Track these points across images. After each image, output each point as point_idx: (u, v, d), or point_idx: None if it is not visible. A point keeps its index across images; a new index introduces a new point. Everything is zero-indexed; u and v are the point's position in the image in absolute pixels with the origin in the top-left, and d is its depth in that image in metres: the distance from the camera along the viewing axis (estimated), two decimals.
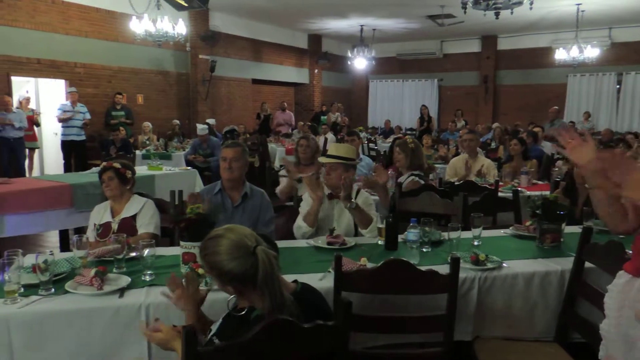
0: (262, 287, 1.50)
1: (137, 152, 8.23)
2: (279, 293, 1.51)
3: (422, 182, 4.16)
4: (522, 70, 14.57)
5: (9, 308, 1.90)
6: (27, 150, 8.79)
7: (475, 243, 2.75)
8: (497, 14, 6.94)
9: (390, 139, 10.88)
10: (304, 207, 3.13)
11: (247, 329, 1.41)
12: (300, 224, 3.03)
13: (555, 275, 2.38)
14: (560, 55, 11.43)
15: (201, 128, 8.13)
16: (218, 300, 1.91)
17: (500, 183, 4.71)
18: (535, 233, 2.85)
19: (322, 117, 13.34)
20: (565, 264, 2.42)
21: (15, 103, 8.41)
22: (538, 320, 2.38)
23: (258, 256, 1.53)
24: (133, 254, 2.44)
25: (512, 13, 7.17)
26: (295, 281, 1.71)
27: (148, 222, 3.04)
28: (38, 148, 9.24)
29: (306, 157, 4.44)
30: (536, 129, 7.62)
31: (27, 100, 8.82)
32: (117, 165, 3.12)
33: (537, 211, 2.74)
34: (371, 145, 10.50)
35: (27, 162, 8.97)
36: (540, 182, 5.24)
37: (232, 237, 1.57)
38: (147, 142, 9.20)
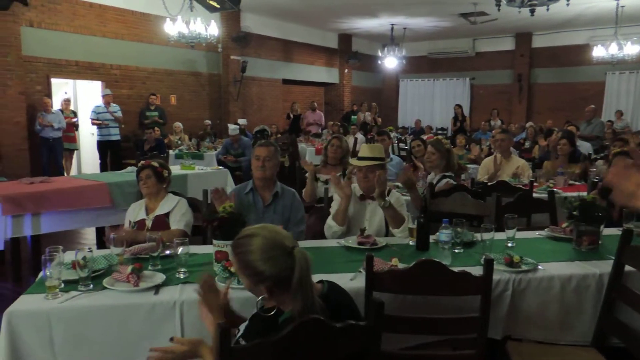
0: (296, 289, 1.47)
1: (170, 151, 8.39)
2: (311, 296, 1.49)
3: (454, 182, 4.10)
4: (557, 68, 14.21)
5: (51, 303, 1.96)
6: (68, 151, 9.08)
7: (509, 245, 2.70)
8: (532, 11, 6.78)
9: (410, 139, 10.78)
10: (335, 207, 3.13)
11: (274, 331, 1.41)
12: (330, 224, 3.03)
13: (594, 278, 2.31)
14: (598, 52, 11.08)
15: (232, 128, 8.23)
16: (250, 299, 1.92)
17: (535, 184, 4.60)
18: (571, 235, 2.78)
19: (352, 117, 13.32)
20: (604, 267, 2.35)
21: (57, 105, 8.70)
22: (574, 325, 2.32)
23: (295, 258, 1.50)
24: (167, 252, 2.49)
25: (548, 10, 6.99)
26: (321, 281, 1.69)
27: (179, 219, 3.11)
28: (77, 150, 9.52)
29: (335, 158, 4.43)
30: (571, 128, 7.41)
31: (68, 102, 9.10)
32: (155, 164, 3.20)
33: (574, 212, 2.68)
34: (401, 145, 10.42)
35: (65, 162, 9.27)
36: (577, 183, 5.09)
37: (266, 235, 1.55)
38: (179, 142, 9.38)
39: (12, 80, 7.75)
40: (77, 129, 9.30)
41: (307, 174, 4.33)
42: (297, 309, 1.46)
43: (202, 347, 1.66)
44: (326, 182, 4.25)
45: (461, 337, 2.11)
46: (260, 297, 1.57)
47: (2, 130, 7.72)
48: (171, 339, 1.72)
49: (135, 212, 3.22)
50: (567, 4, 7.02)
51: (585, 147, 7.36)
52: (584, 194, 3.75)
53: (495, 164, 5.09)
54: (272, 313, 1.56)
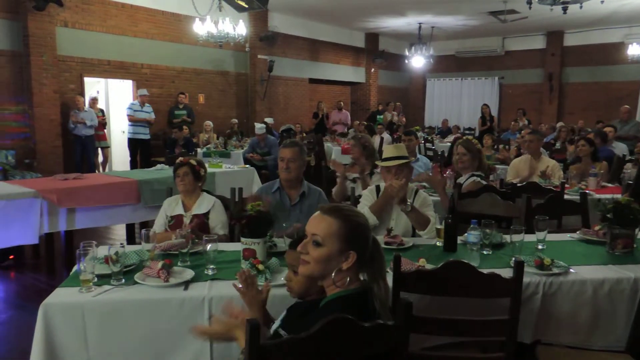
0: (380, 276, 1.57)
1: (198, 150, 8.51)
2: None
3: (484, 182, 4.04)
4: (590, 67, 13.86)
5: (85, 296, 2.02)
6: (99, 149, 9.30)
7: (540, 247, 2.66)
8: (564, 9, 6.63)
9: (450, 139, 10.67)
10: (364, 204, 3.11)
11: (317, 315, 1.45)
12: (366, 214, 2.94)
13: (628, 282, 2.25)
14: (633, 50, 10.79)
15: (259, 127, 8.29)
16: (283, 297, 1.95)
17: (567, 185, 4.51)
18: (605, 238, 2.72)
19: (378, 117, 13.26)
20: (639, 271, 2.29)
21: (86, 103, 8.92)
22: (607, 329, 2.27)
23: (378, 245, 1.60)
24: (196, 249, 2.53)
25: (581, 7, 6.83)
26: None
27: (222, 225, 3.18)
28: (108, 147, 9.73)
29: (355, 157, 4.45)
30: (607, 129, 7.22)
31: (95, 100, 9.29)
32: (193, 162, 3.26)
33: (608, 215, 2.61)
34: (428, 145, 10.33)
35: (100, 159, 9.50)
36: (609, 185, 4.97)
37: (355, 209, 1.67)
38: (207, 140, 9.50)
39: (47, 79, 7.98)
40: (104, 127, 9.50)
41: (338, 174, 4.33)
42: (382, 293, 1.55)
43: (238, 330, 1.67)
44: (354, 180, 4.25)
45: (490, 339, 2.09)
46: (334, 270, 1.55)
47: (38, 128, 7.96)
48: (210, 317, 1.81)
49: (172, 206, 3.26)
50: (602, 1, 6.85)
51: (620, 148, 7.16)
52: (618, 196, 3.66)
53: (530, 166, 5.00)
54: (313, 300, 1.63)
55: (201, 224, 3.12)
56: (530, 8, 7.32)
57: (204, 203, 3.23)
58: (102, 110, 9.45)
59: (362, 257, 1.56)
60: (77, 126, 8.36)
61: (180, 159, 3.36)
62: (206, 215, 3.19)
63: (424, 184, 4.28)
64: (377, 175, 4.29)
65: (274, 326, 1.68)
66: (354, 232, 1.55)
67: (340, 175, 4.27)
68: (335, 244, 1.53)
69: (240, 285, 1.85)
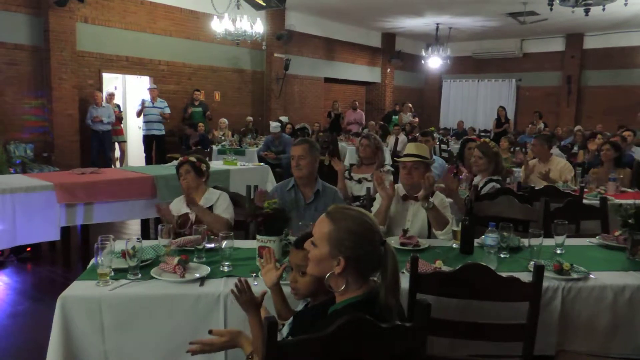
0: (392, 286, 1.47)
1: (213, 147, 8.55)
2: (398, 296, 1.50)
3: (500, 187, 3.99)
4: (611, 70, 13.65)
5: (102, 290, 2.03)
6: (116, 144, 9.39)
7: (558, 251, 2.62)
8: (587, 11, 6.52)
9: (462, 140, 10.57)
10: (376, 207, 3.11)
11: (323, 323, 1.41)
12: None
13: None
14: None
15: (274, 126, 8.31)
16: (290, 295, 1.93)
17: (585, 189, 4.44)
18: (625, 244, 2.67)
19: (393, 117, 13.20)
20: None
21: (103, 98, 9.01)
22: (627, 337, 2.22)
23: (388, 252, 1.48)
24: (212, 245, 2.53)
25: (603, 10, 6.72)
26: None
27: (223, 210, 3.18)
28: (125, 142, 9.81)
29: (367, 157, 4.42)
30: (626, 134, 7.11)
31: (112, 95, 9.39)
32: (193, 159, 3.27)
33: (630, 220, 2.56)
34: (443, 146, 10.26)
35: (118, 154, 9.57)
36: (629, 190, 4.88)
37: (368, 216, 1.54)
38: (222, 138, 9.53)
39: (66, 74, 8.08)
40: (121, 121, 9.57)
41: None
42: (393, 302, 1.46)
43: (241, 338, 1.69)
44: (359, 181, 4.24)
45: (509, 354, 2.05)
46: (328, 275, 1.52)
47: (56, 122, 8.07)
48: (210, 332, 1.75)
49: (179, 206, 3.29)
50: (626, 4, 6.72)
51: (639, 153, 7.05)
52: (639, 201, 3.59)
53: (526, 168, 5.02)
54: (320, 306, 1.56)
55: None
56: (551, 9, 7.22)
57: (209, 197, 3.25)
58: (118, 106, 9.53)
59: (361, 265, 1.49)
60: (94, 122, 8.45)
61: (181, 157, 3.38)
62: (211, 209, 3.19)
63: (441, 185, 4.24)
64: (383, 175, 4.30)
65: (283, 332, 1.66)
66: (342, 237, 1.48)
67: (339, 175, 4.26)
68: (326, 247, 1.51)
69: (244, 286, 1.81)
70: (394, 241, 2.73)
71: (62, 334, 1.95)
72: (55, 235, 4.33)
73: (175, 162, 6.10)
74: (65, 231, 4.67)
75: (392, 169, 4.56)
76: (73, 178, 4.63)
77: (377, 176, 3.12)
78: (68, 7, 7.83)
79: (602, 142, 5.53)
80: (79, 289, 2.06)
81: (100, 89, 8.83)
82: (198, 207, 3.12)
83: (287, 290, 1.93)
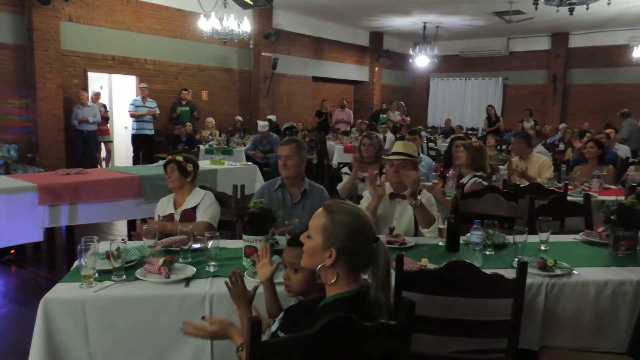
0: (383, 282, 1.49)
1: (201, 146, 8.51)
2: (389, 292, 1.51)
3: (485, 183, 4.03)
4: (595, 69, 13.80)
5: (85, 292, 2.01)
6: (102, 144, 9.29)
7: (542, 248, 2.64)
8: (571, 10, 6.58)
9: (450, 139, 10.64)
10: (363, 205, 3.11)
11: (314, 317, 1.42)
12: None
13: (630, 285, 2.24)
14: (638, 53, 10.73)
15: (262, 125, 8.29)
16: (282, 294, 1.94)
17: (569, 186, 4.50)
18: (608, 240, 2.71)
19: (381, 116, 13.24)
20: None
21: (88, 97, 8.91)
22: (609, 332, 2.26)
23: (380, 248, 1.50)
24: (197, 246, 2.51)
25: (587, 9, 6.78)
26: None
27: (204, 211, 3.14)
28: (111, 142, 9.70)
29: (370, 156, 4.41)
30: (609, 131, 7.21)
31: (98, 95, 9.28)
32: (179, 158, 3.24)
33: (612, 217, 2.60)
34: (430, 144, 10.31)
35: (104, 154, 9.48)
36: (612, 187, 4.95)
37: (363, 212, 1.57)
38: (210, 137, 9.49)
39: (51, 73, 7.98)
40: (107, 121, 9.47)
41: (343, 170, 4.33)
42: (384, 299, 1.47)
43: (232, 329, 1.70)
44: (363, 179, 4.24)
45: (493, 349, 2.07)
46: (319, 266, 1.53)
47: (41, 122, 7.96)
48: (203, 318, 1.77)
49: (164, 206, 3.27)
50: (609, 3, 6.80)
51: (623, 150, 7.15)
52: (622, 198, 3.64)
53: (510, 167, 5.07)
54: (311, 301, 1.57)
55: (188, 218, 3.11)
56: (536, 9, 7.27)
57: (194, 197, 3.22)
58: (104, 105, 9.43)
59: (352, 258, 1.51)
60: (79, 122, 8.35)
61: (169, 156, 3.35)
62: (195, 209, 3.17)
63: (428, 183, 4.28)
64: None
65: (272, 328, 1.66)
66: (336, 229, 1.50)
67: (353, 173, 4.25)
68: (320, 238, 1.53)
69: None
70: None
71: (45, 336, 1.93)
72: (38, 237, 4.28)
73: (162, 162, 6.10)
74: (50, 232, 4.62)
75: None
76: (57, 179, 4.58)
77: (371, 175, 3.11)
78: (52, 6, 7.74)
79: (586, 140, 5.61)
80: (62, 291, 2.04)
81: (86, 89, 8.73)
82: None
83: (279, 289, 1.94)
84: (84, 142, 8.50)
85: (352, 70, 14.81)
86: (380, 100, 15.12)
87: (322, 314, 1.45)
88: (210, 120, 9.93)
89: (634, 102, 12.68)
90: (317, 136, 9.99)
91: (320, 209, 1.59)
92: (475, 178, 4.07)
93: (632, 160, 6.41)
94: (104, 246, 2.34)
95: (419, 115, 16.73)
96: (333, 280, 1.52)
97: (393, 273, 2.04)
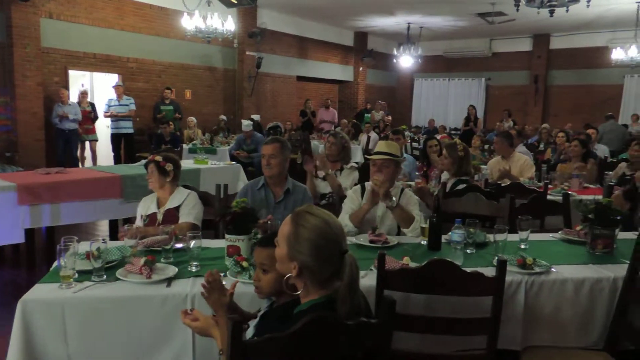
0: (346, 294, 1.44)
1: (184, 146, 8.44)
2: (357, 301, 1.48)
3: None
4: (575, 70, 14.04)
5: (64, 293, 1.99)
6: (88, 143, 9.12)
7: (522, 246, 2.68)
8: (551, 12, 6.68)
9: (424, 138, 10.72)
10: (348, 204, 3.12)
11: (289, 323, 1.41)
12: (346, 222, 2.97)
13: (607, 282, 2.29)
14: (617, 55, 10.92)
15: (246, 124, 8.26)
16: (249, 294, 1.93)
17: (550, 186, 4.57)
18: (586, 238, 2.76)
19: (365, 115, 13.28)
20: (618, 270, 2.33)
21: (73, 97, 8.77)
22: (587, 328, 2.30)
23: (346, 262, 1.46)
24: (179, 245, 2.50)
25: (567, 11, 6.89)
26: None
27: (188, 212, 3.11)
28: (97, 140, 9.53)
29: (332, 154, 4.46)
30: (589, 131, 7.33)
31: (85, 94, 9.11)
32: (158, 158, 3.20)
33: (590, 216, 2.64)
34: (414, 144, 10.37)
35: (90, 154, 9.30)
36: (591, 186, 5.04)
37: (331, 225, 1.51)
38: (193, 136, 9.41)
39: (30, 71, 7.85)
40: (94, 122, 9.30)
41: (315, 170, 4.36)
42: (344, 313, 1.43)
43: (214, 330, 1.69)
44: (324, 178, 4.26)
45: (475, 348, 2.10)
46: (286, 276, 1.53)
47: (20, 121, 7.83)
48: (191, 310, 1.77)
49: (147, 205, 3.23)
50: (588, 5, 6.91)
51: (602, 150, 7.28)
52: (599, 197, 3.71)
53: (503, 168, 5.10)
54: (286, 305, 1.55)
55: (171, 218, 3.08)
56: (517, 10, 7.38)
57: (177, 197, 3.19)
58: (92, 104, 9.20)
59: (315, 274, 1.48)
60: (60, 120, 8.23)
61: (150, 156, 3.32)
62: (178, 209, 3.14)
63: (410, 183, 4.31)
64: (346, 171, 4.36)
65: (249, 333, 1.65)
66: (300, 243, 1.48)
67: (308, 175, 4.28)
68: (285, 248, 1.52)
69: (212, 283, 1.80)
70: (362, 239, 2.76)
71: (23, 338, 1.90)
72: (19, 238, 4.21)
73: (144, 161, 6.04)
74: (30, 233, 4.54)
75: (356, 166, 4.60)
76: (37, 178, 4.51)
77: (373, 183, 3.03)
78: (32, 2, 7.61)
79: (572, 139, 5.76)
80: (40, 292, 2.01)
81: (67, 87, 8.60)
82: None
83: (249, 290, 1.93)
84: (65, 141, 8.37)
85: (336, 70, 14.84)
86: (365, 100, 15.18)
87: (297, 321, 1.42)
88: (192, 119, 9.86)
89: (611, 102, 12.94)
90: (301, 136, 9.98)
91: (289, 217, 1.56)
92: (463, 185, 4.07)
93: (610, 161, 6.54)
94: (84, 246, 2.31)
95: (403, 114, 16.83)
96: (302, 289, 1.51)
97: (371, 272, 2.06)
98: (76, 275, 2.09)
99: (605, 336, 2.27)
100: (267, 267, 1.71)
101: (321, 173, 4.30)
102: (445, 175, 4.34)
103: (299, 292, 1.53)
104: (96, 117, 9.14)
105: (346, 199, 3.20)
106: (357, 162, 5.32)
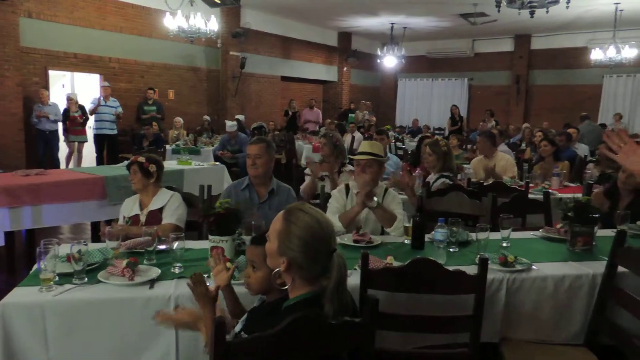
0: (333, 293, 1.46)
1: (167, 146, 8.36)
2: (345, 301, 1.49)
3: (451, 183, 4.11)
4: (556, 70, 14.24)
5: (45, 296, 1.96)
6: (76, 144, 8.92)
7: (504, 244, 2.71)
8: (532, 13, 6.77)
9: (418, 138, 10.80)
10: (333, 204, 3.12)
11: (277, 319, 1.42)
12: (334, 222, 2.95)
13: (587, 278, 2.33)
14: (596, 55, 11.12)
15: (230, 125, 8.22)
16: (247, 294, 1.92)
17: (531, 184, 4.63)
18: (566, 236, 2.80)
19: (350, 115, 13.31)
20: (597, 267, 2.37)
21: (54, 97, 8.60)
22: (567, 324, 2.34)
23: (334, 261, 1.48)
24: (163, 247, 2.48)
25: (547, 12, 6.98)
26: None
27: (172, 213, 3.09)
28: (86, 141, 9.32)
29: (325, 155, 4.47)
30: (570, 130, 7.45)
31: (71, 100, 8.71)
32: (141, 159, 3.17)
33: (569, 214, 2.69)
34: (398, 144, 10.43)
35: (76, 155, 9.10)
36: (572, 185, 5.12)
37: (321, 224, 1.52)
38: (176, 137, 9.34)
39: (9, 71, 7.72)
40: (84, 125, 9.03)
41: (305, 171, 4.35)
42: (331, 311, 1.44)
43: (201, 323, 1.71)
44: (322, 178, 4.27)
45: (456, 342, 2.12)
46: (275, 270, 1.56)
47: None
48: (176, 307, 1.81)
49: (129, 207, 3.20)
50: (567, 7, 7.02)
51: (582, 149, 7.41)
52: (579, 195, 3.77)
53: (487, 167, 5.16)
54: (274, 302, 1.57)
55: (154, 219, 3.06)
56: (499, 11, 7.46)
57: (160, 198, 3.16)
58: (82, 107, 8.93)
59: (303, 270, 1.50)
60: (40, 120, 8.10)
61: (132, 157, 3.28)
62: (161, 210, 3.12)
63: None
64: (344, 174, 4.35)
65: (236, 328, 1.66)
66: (290, 240, 1.49)
67: (312, 174, 4.28)
68: (276, 243, 1.54)
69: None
70: (347, 239, 2.77)
71: (2, 342, 1.87)
72: None
73: (127, 162, 5.98)
74: (9, 236, 4.46)
75: (352, 169, 4.61)
76: (16, 180, 4.43)
77: (364, 188, 3.02)
78: (10, 1, 7.49)
79: (540, 139, 5.87)
80: (20, 295, 1.98)
81: (47, 87, 8.47)
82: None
83: (240, 289, 1.93)
84: (45, 142, 8.24)
85: (320, 70, 14.85)
86: (349, 100, 15.21)
87: (285, 315, 1.45)
88: (179, 119, 9.77)
89: (591, 102, 13.16)
90: (285, 136, 9.97)
91: (281, 213, 1.58)
92: (443, 179, 4.14)
93: (590, 159, 6.65)
94: (64, 249, 2.28)
95: (387, 114, 16.91)
96: (290, 284, 1.53)
97: (355, 272, 2.07)
98: (57, 278, 2.06)
99: (585, 331, 2.32)
100: (257, 264, 1.73)
101: (320, 173, 4.29)
102: (431, 177, 4.37)
103: (287, 287, 1.54)
104: (87, 119, 8.98)
105: (331, 198, 3.21)
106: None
